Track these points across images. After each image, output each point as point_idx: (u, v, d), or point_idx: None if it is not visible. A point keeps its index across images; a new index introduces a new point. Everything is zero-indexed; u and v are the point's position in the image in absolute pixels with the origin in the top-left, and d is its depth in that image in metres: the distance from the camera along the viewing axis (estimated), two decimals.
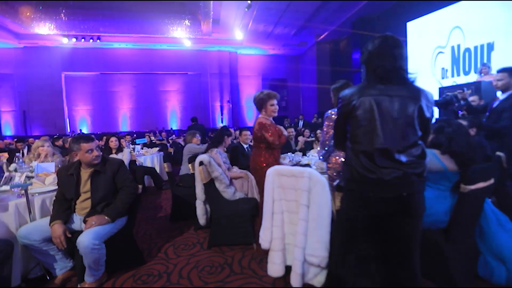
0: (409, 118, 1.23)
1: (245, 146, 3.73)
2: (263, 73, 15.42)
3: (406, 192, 1.25)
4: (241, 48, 14.23)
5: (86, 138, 2.04)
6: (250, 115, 15.40)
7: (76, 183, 2.04)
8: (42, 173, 2.51)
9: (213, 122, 14.23)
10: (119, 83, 13.69)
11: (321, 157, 2.20)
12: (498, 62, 4.61)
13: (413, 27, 7.61)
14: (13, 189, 2.14)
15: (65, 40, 11.75)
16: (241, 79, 15.02)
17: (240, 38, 12.88)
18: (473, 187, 1.75)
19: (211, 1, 9.95)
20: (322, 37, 12.65)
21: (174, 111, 14.40)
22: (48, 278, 2.04)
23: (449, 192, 1.89)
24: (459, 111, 2.72)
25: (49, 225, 1.92)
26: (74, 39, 11.90)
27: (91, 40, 12.13)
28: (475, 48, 5.59)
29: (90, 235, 1.83)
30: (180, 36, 12.45)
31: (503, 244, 1.89)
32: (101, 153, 2.15)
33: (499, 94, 3.28)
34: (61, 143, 5.13)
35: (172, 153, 6.02)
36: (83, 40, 12.02)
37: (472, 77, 5.43)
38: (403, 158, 1.23)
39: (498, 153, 2.43)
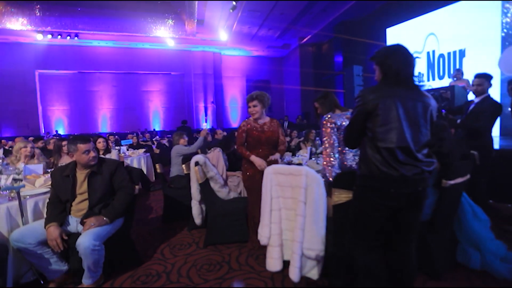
0: (425, 120, 1.38)
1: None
2: (247, 74, 15.52)
3: (421, 187, 1.39)
4: (225, 49, 14.24)
5: (83, 138, 2.02)
6: (234, 116, 15.44)
7: (72, 185, 2.01)
8: (31, 175, 2.43)
9: (197, 123, 14.11)
10: (98, 83, 13.23)
11: (334, 165, 2.09)
12: (469, 67, 5.00)
13: (392, 33, 8.02)
14: (2, 192, 2.07)
15: (39, 37, 11.18)
16: (225, 80, 15.02)
17: (225, 39, 12.89)
18: (452, 182, 1.94)
19: (196, 1, 9.90)
20: (305, 40, 12.96)
21: (157, 112, 14.13)
22: (42, 282, 1.99)
23: (431, 188, 2.07)
24: (443, 110, 2.95)
25: (44, 227, 1.88)
26: (49, 36, 11.34)
27: (68, 37, 11.63)
28: (448, 54, 6.02)
29: (91, 236, 1.81)
30: (163, 35, 12.25)
31: (478, 233, 2.09)
32: (97, 154, 2.13)
33: (471, 96, 3.58)
34: (40, 144, 4.91)
35: (159, 154, 5.94)
36: (59, 37, 11.49)
37: (446, 82, 5.83)
38: (420, 156, 1.36)
39: (472, 151, 2.67)
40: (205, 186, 2.66)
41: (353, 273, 1.71)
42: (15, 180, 2.36)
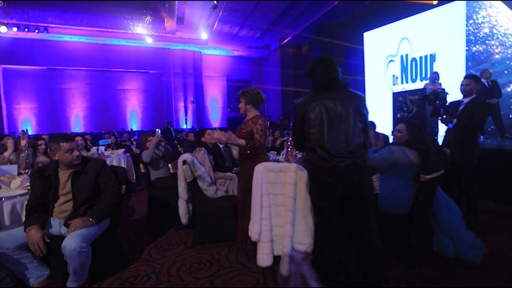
0: (351, 114, 1.58)
1: (221, 146, 3.78)
2: (227, 74, 15.45)
3: (356, 177, 1.55)
4: (206, 48, 14.08)
5: (66, 137, 1.93)
6: (214, 116, 15.31)
7: (55, 185, 1.92)
8: (4, 176, 2.28)
9: (177, 123, 13.82)
10: (70, 80, 12.53)
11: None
12: (439, 71, 5.36)
13: (368, 36, 8.39)
14: None
15: (3, 29, 10.37)
16: (206, 79, 14.85)
17: (205, 38, 12.76)
18: (429, 176, 2.09)
19: (176, 0, 9.72)
20: (285, 41, 13.15)
21: (135, 111, 13.66)
22: None
23: (411, 183, 2.22)
24: (441, 109, 3.03)
25: (24, 231, 1.78)
26: (15, 29, 10.58)
27: (37, 31, 10.91)
28: (420, 58, 6.42)
29: (77, 238, 1.74)
30: (141, 32, 11.88)
31: (451, 223, 2.27)
32: (81, 153, 2.05)
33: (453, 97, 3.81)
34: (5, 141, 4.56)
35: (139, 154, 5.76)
36: (26, 30, 10.76)
37: (418, 85, 6.22)
38: (352, 148, 1.54)
39: (445, 149, 2.89)
40: (192, 185, 2.65)
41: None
42: None
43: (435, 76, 5.18)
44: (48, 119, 12.16)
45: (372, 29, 8.07)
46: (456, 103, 3.02)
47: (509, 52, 5.50)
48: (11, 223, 1.91)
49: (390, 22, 7.26)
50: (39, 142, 3.56)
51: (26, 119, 11.98)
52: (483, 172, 3.32)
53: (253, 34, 12.67)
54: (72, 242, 1.71)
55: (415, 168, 2.14)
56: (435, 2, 6.34)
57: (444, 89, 4.17)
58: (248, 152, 2.40)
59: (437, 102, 3.15)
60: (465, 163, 2.83)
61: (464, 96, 2.93)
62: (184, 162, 2.59)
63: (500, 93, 4.95)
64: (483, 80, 4.88)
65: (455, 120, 2.86)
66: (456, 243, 2.23)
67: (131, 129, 12.92)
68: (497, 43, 5.61)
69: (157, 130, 3.77)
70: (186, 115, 14.02)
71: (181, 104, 14.00)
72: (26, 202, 1.96)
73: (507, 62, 5.52)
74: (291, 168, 2.00)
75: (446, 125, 3.03)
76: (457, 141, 2.86)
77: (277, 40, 13.32)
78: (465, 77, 2.90)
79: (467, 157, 2.82)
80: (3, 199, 1.96)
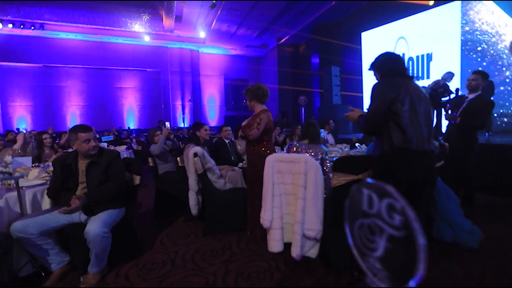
0: (429, 104, 1.68)
1: (226, 141, 3.87)
2: (225, 73, 15.51)
3: (433, 161, 1.68)
4: (203, 47, 14.12)
5: (84, 128, 2.00)
6: (212, 114, 15.35)
7: (75, 173, 1.99)
8: (20, 168, 2.34)
9: (174, 122, 13.83)
10: (66, 78, 12.45)
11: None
12: (435, 71, 5.53)
13: (366, 36, 8.55)
14: None
15: None
16: (203, 78, 14.89)
17: (203, 37, 12.81)
18: None
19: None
20: (283, 40, 13.27)
21: (131, 110, 13.62)
22: (43, 274, 1.95)
23: None
24: (448, 104, 3.01)
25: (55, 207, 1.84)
26: (10, 25, 10.46)
27: (32, 28, 10.81)
28: (417, 57, 6.60)
29: (99, 223, 1.82)
30: (138, 30, 11.86)
31: (450, 211, 2.41)
32: (97, 144, 2.11)
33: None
34: (10, 137, 4.60)
35: (141, 150, 5.81)
36: (22, 26, 10.64)
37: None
38: (431, 133, 1.65)
39: (443, 142, 3.02)
40: (203, 177, 2.73)
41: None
42: (2, 173, 2.27)
43: (447, 76, 5.24)
44: (44, 117, 12.05)
45: (370, 28, 8.24)
46: (460, 98, 3.01)
47: (501, 51, 5.71)
48: (32, 211, 1.97)
49: (388, 22, 7.43)
50: (44, 136, 3.61)
51: (22, 117, 11.85)
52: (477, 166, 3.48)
53: (251, 33, 12.76)
54: (95, 227, 1.79)
55: None
56: (431, 3, 6.52)
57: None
58: (256, 146, 2.51)
59: (445, 95, 3.09)
60: (466, 159, 2.89)
61: (469, 92, 2.90)
62: (195, 155, 2.67)
63: (493, 92, 5.13)
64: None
65: (459, 119, 2.86)
66: (455, 229, 2.36)
67: (128, 128, 12.88)
68: (490, 43, 5.82)
69: (166, 123, 3.86)
70: (183, 113, 14.04)
71: (178, 103, 14.02)
72: (46, 191, 2.02)
73: (499, 62, 5.74)
74: (301, 159, 2.10)
75: (450, 122, 3.03)
76: (458, 137, 2.89)
77: (274, 39, 13.44)
78: (473, 72, 2.87)
79: (468, 152, 2.87)
80: (24, 188, 2.02)
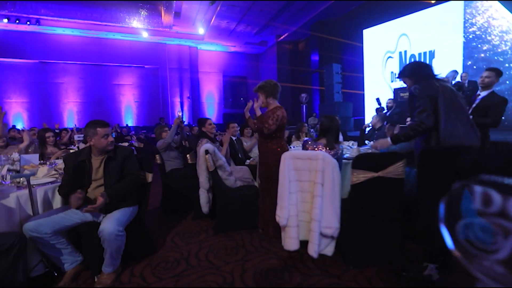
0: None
1: (233, 138, 3.82)
2: (224, 70, 15.41)
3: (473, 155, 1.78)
4: (202, 43, 13.99)
5: (102, 123, 1.95)
6: (210, 111, 15.26)
7: (88, 170, 1.94)
8: (28, 165, 2.27)
9: (173, 119, 13.71)
10: (63, 74, 12.25)
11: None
12: (437, 68, 5.52)
13: (368, 34, 8.53)
14: (3, 182, 1.92)
15: None
16: (202, 75, 14.78)
17: (202, 33, 12.69)
18: None
19: None
20: (282, 37, 13.21)
21: (130, 107, 13.48)
22: (56, 274, 1.90)
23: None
24: None
25: (67, 205, 1.81)
26: (5, 20, 10.26)
27: (28, 23, 10.62)
28: (419, 54, 6.60)
29: (114, 221, 1.77)
30: (137, 26, 11.70)
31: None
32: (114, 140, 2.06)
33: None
34: (13, 134, 4.50)
35: (144, 147, 5.75)
36: (17, 21, 10.45)
37: None
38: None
39: None
40: (214, 175, 2.69)
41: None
42: (9, 170, 2.20)
43: (452, 75, 5.26)
44: (40, 113, 11.86)
45: (372, 26, 8.22)
46: (471, 95, 2.98)
47: (504, 49, 5.74)
48: (43, 210, 1.91)
49: (390, 20, 7.42)
50: (47, 134, 3.54)
51: (17, 114, 11.66)
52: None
53: (251, 30, 12.67)
54: (110, 226, 1.74)
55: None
56: (433, 1, 6.52)
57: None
58: (269, 143, 2.47)
59: (461, 93, 3.07)
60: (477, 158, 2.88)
61: (482, 89, 2.87)
62: (206, 152, 2.63)
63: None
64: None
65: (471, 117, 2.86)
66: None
67: (126, 125, 12.74)
68: (493, 41, 5.84)
69: (178, 111, 3.79)
70: (182, 110, 13.92)
71: (177, 100, 13.91)
72: (57, 189, 1.96)
73: (501, 58, 5.77)
74: (319, 156, 2.07)
75: None
76: None
77: (274, 36, 13.37)
78: (487, 69, 2.85)
79: (479, 151, 2.86)
80: (34, 186, 1.96)
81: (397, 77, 2.01)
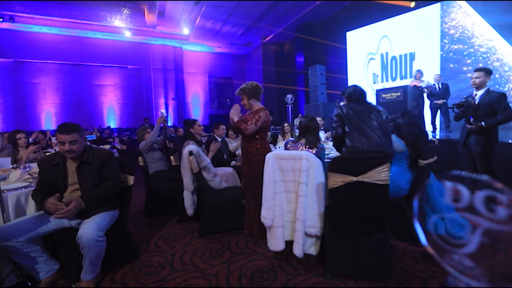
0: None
1: (219, 139, 3.78)
2: (209, 71, 15.29)
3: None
4: (187, 44, 13.82)
5: (61, 129, 1.82)
6: (196, 113, 15.09)
7: (63, 174, 1.85)
8: (0, 169, 2.15)
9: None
10: (40, 74, 11.74)
11: None
12: (416, 68, 5.73)
13: (351, 36, 8.72)
14: None
15: None
16: (187, 76, 14.59)
17: (187, 34, 12.52)
18: (426, 161, 2.28)
19: None
20: (267, 39, 13.27)
21: (112, 108, 13.09)
22: (29, 284, 1.79)
23: (408, 168, 2.41)
24: (471, 117, 2.89)
25: (41, 210, 1.72)
26: None
27: (1, 20, 10.09)
28: (400, 56, 6.82)
29: (93, 227, 1.70)
30: (119, 25, 11.38)
31: (442, 206, 2.49)
32: (76, 148, 1.86)
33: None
34: None
35: (126, 149, 5.59)
36: None
37: (398, 83, 6.61)
38: None
39: (432, 139, 3.13)
40: (199, 176, 2.65)
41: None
42: None
43: (416, 74, 5.51)
44: (15, 115, 11.32)
45: (355, 28, 8.42)
46: (469, 97, 2.94)
47: (478, 50, 6.02)
48: (16, 217, 1.81)
49: (372, 22, 7.62)
50: (18, 135, 3.33)
51: None
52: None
53: (236, 31, 12.64)
54: (89, 231, 1.67)
55: (409, 156, 2.35)
56: (412, 5, 6.76)
57: (400, 88, 4.42)
58: (252, 144, 2.47)
59: (471, 110, 2.96)
60: (486, 161, 2.86)
61: (476, 89, 2.89)
62: (190, 153, 2.58)
63: (448, 95, 5.45)
64: (435, 82, 5.39)
65: (483, 123, 2.78)
66: (447, 222, 2.44)
67: (109, 126, 12.36)
68: (468, 43, 6.12)
69: (161, 110, 3.70)
70: (167, 112, 13.68)
71: (161, 101, 13.65)
72: (31, 194, 1.86)
73: (473, 58, 6.05)
74: (302, 156, 2.08)
75: (474, 133, 2.92)
76: (478, 140, 2.86)
77: (259, 37, 13.40)
78: (475, 70, 2.88)
79: (487, 153, 2.85)
80: (5, 191, 1.85)
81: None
